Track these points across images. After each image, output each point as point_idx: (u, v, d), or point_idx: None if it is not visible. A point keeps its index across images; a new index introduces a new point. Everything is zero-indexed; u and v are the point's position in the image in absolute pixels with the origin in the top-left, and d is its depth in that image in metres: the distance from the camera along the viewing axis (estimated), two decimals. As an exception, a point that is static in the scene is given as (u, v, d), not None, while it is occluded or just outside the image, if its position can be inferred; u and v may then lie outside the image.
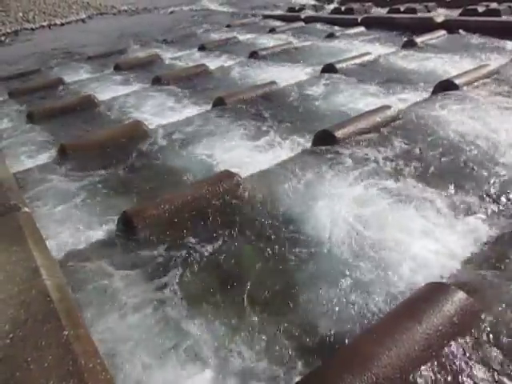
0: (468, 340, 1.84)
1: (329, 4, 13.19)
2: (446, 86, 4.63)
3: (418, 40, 6.91)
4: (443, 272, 2.29)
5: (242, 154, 3.86)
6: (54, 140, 4.68)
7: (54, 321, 1.83)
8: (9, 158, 4.24)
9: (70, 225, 3.04)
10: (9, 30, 15.20)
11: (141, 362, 1.92)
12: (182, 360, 1.93)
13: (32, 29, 15.57)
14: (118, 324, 2.13)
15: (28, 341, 1.74)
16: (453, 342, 1.82)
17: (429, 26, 7.64)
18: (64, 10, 18.47)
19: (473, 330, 1.88)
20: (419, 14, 9.12)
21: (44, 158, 4.25)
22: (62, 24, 16.16)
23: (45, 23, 16.20)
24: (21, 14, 17.90)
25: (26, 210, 2.93)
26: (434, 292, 2.00)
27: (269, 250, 2.58)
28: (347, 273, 2.33)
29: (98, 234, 2.91)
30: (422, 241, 2.52)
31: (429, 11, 9.64)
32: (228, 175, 3.21)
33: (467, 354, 1.79)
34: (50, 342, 1.72)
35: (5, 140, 4.83)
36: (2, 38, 14.01)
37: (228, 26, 11.33)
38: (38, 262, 2.22)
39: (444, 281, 2.20)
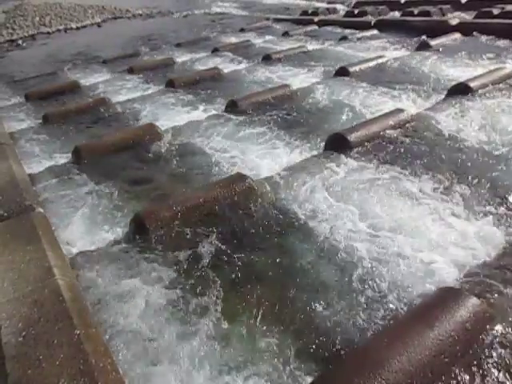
0: (481, 346, 1.81)
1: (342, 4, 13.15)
2: (460, 89, 4.58)
3: (432, 43, 6.85)
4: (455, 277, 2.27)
5: (255, 156, 3.86)
6: (68, 142, 4.74)
7: (66, 320, 1.85)
8: (24, 159, 4.30)
9: (83, 225, 3.08)
10: (26, 34, 15.48)
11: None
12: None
13: (48, 32, 15.84)
14: (129, 320, 2.15)
15: (40, 339, 1.76)
16: (466, 348, 1.79)
17: (443, 29, 7.57)
18: (80, 14, 18.74)
19: (486, 336, 1.85)
20: (433, 17, 9.04)
21: (59, 159, 4.30)
22: (78, 28, 16.41)
23: (61, 27, 16.47)
24: (38, 19, 18.22)
25: (40, 210, 2.97)
26: (447, 297, 1.98)
27: (279, 252, 2.58)
28: (358, 278, 2.32)
29: (111, 235, 2.94)
30: (435, 245, 2.50)
31: (443, 14, 9.55)
32: (240, 178, 3.21)
33: (480, 361, 1.76)
34: (61, 341, 1.74)
35: (21, 141, 4.90)
36: (20, 42, 14.28)
37: (241, 29, 11.37)
38: (51, 262, 2.25)
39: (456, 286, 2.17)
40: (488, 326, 1.88)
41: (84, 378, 1.59)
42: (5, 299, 2.00)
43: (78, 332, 1.78)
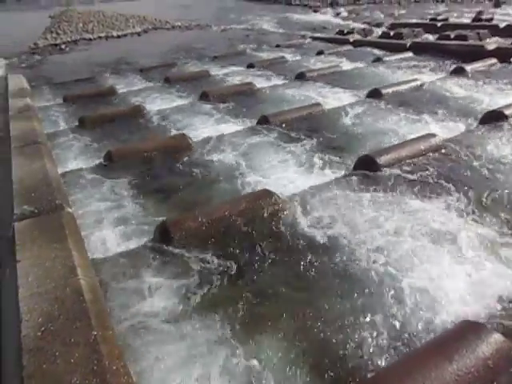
0: (503, 386, 1.74)
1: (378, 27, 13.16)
2: (494, 117, 4.49)
3: (468, 68, 6.76)
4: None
5: (283, 173, 3.87)
6: (101, 145, 4.87)
7: (85, 320, 1.88)
8: (58, 159, 4.44)
9: (109, 229, 3.14)
10: (69, 39, 16.12)
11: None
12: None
13: (90, 39, 16.44)
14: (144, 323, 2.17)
15: (58, 336, 1.79)
16: (486, 387, 1.72)
17: (479, 54, 7.45)
18: (121, 23, 19.41)
19: (509, 377, 1.77)
20: (470, 41, 8.92)
21: (91, 162, 4.42)
22: (119, 36, 16.96)
23: (102, 34, 17.07)
24: (81, 25, 18.97)
25: (69, 210, 3.05)
26: (468, 331, 1.91)
27: (301, 269, 2.56)
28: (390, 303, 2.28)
29: (136, 240, 2.98)
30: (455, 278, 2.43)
31: (480, 39, 9.41)
32: (266, 194, 3.22)
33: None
34: (78, 340, 1.76)
35: (56, 141, 5.06)
36: (63, 46, 14.86)
37: (277, 45, 11.50)
38: (76, 262, 2.29)
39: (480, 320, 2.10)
40: None
41: (96, 378, 1.60)
42: (28, 293, 2.05)
43: (95, 333, 1.80)
